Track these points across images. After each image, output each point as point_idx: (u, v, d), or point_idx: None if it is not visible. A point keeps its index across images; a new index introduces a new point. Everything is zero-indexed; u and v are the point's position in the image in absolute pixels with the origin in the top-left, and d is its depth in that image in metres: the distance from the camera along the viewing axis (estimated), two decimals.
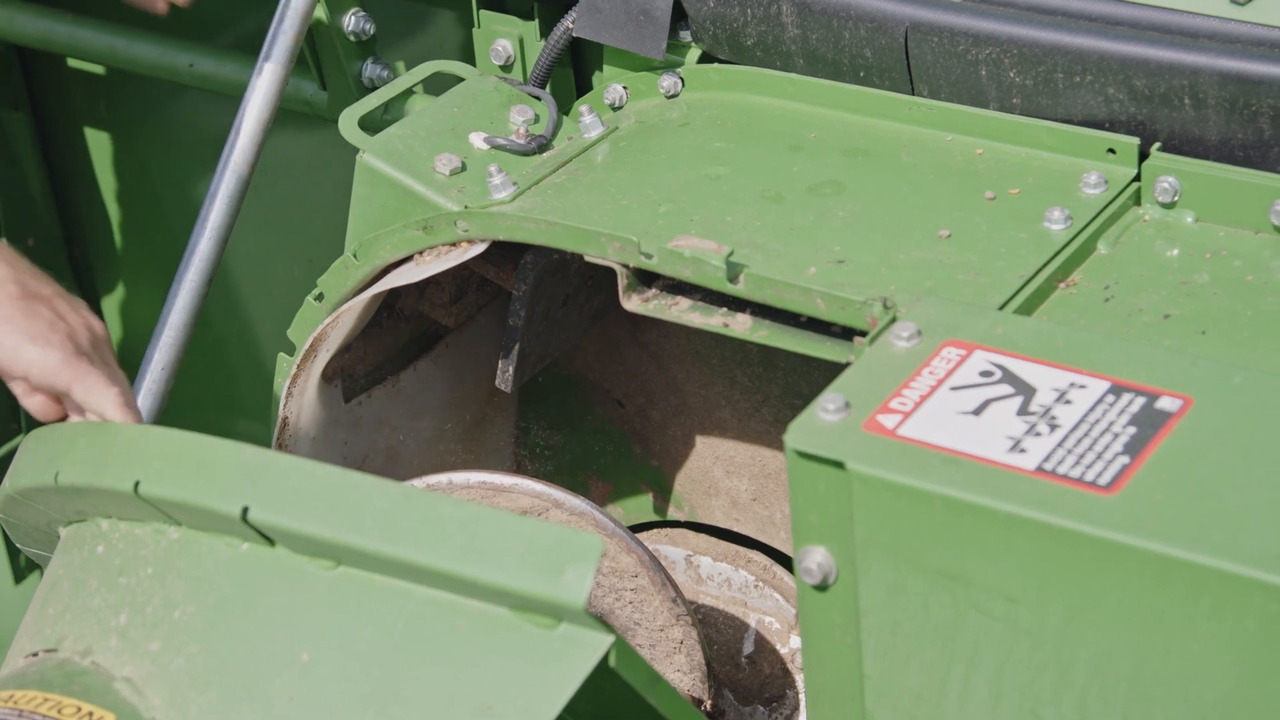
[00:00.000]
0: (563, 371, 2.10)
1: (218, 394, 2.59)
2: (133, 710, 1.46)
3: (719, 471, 2.05)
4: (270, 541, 1.47)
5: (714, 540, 2.05)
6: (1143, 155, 1.72)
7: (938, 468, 1.38)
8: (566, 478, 2.12)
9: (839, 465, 1.40)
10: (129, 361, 2.66)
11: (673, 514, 2.09)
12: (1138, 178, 1.72)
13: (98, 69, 2.48)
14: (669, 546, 2.05)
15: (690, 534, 2.06)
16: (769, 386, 2.00)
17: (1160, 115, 1.71)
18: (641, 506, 2.10)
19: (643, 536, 2.03)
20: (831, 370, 1.60)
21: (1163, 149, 1.71)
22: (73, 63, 2.53)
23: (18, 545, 1.78)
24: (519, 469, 2.15)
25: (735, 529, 2.05)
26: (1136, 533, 1.31)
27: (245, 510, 1.45)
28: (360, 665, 1.42)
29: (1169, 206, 1.70)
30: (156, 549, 1.52)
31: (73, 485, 1.54)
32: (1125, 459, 1.37)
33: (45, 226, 2.58)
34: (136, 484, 1.49)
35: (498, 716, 1.37)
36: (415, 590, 1.42)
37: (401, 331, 1.99)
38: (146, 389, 1.97)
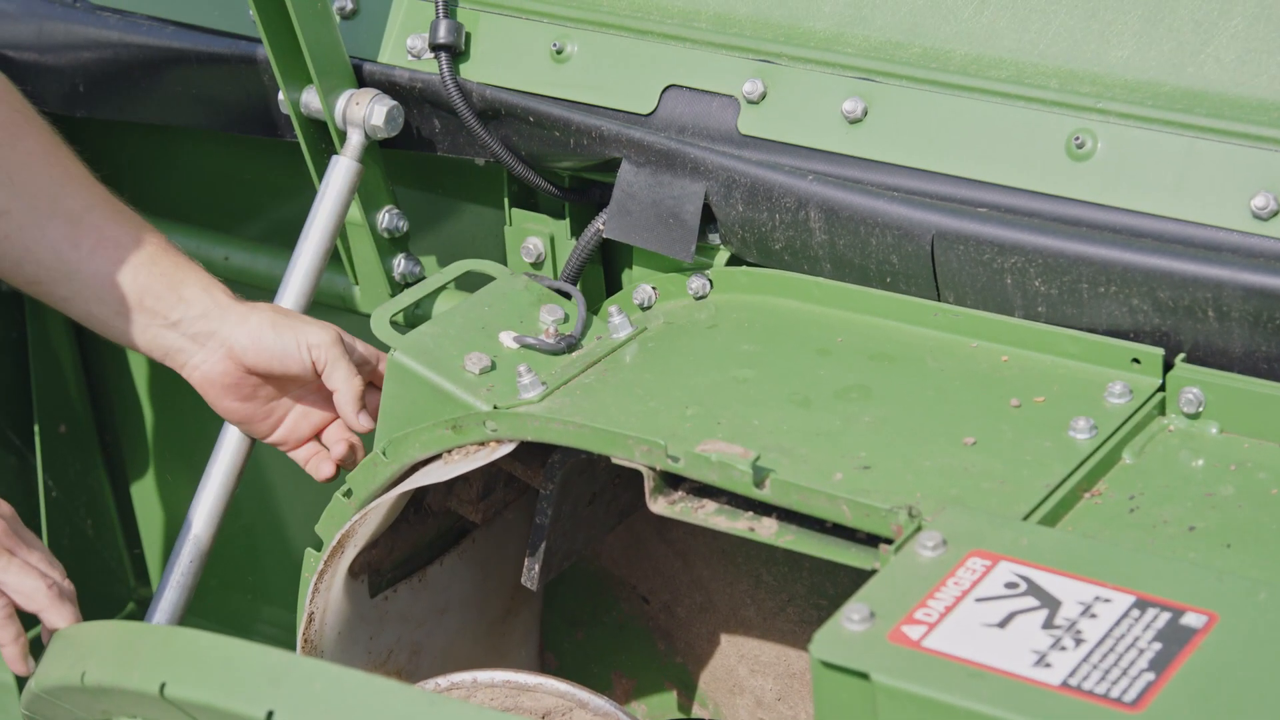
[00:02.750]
0: (588, 567, 2.11)
1: (246, 582, 2.60)
2: None
3: (744, 670, 2.05)
4: None
5: None
6: (1167, 366, 1.73)
7: (963, 681, 1.38)
8: (591, 673, 2.11)
9: (864, 676, 1.40)
10: (158, 546, 2.68)
11: (697, 712, 2.09)
12: (1162, 388, 1.73)
13: None
14: None
15: None
16: (794, 586, 2.00)
17: (1184, 326, 1.72)
18: (666, 704, 2.10)
19: None
20: (857, 572, 1.60)
21: (1187, 360, 1.73)
22: None
23: None
24: (543, 664, 2.14)
25: None
26: None
27: (270, 715, 1.45)
28: None
29: (1194, 417, 1.71)
30: None
31: (99, 685, 1.54)
32: (1150, 675, 1.37)
33: (78, 413, 2.60)
34: (162, 686, 1.50)
35: None
36: None
37: (428, 527, 2.00)
38: (174, 582, 1.98)
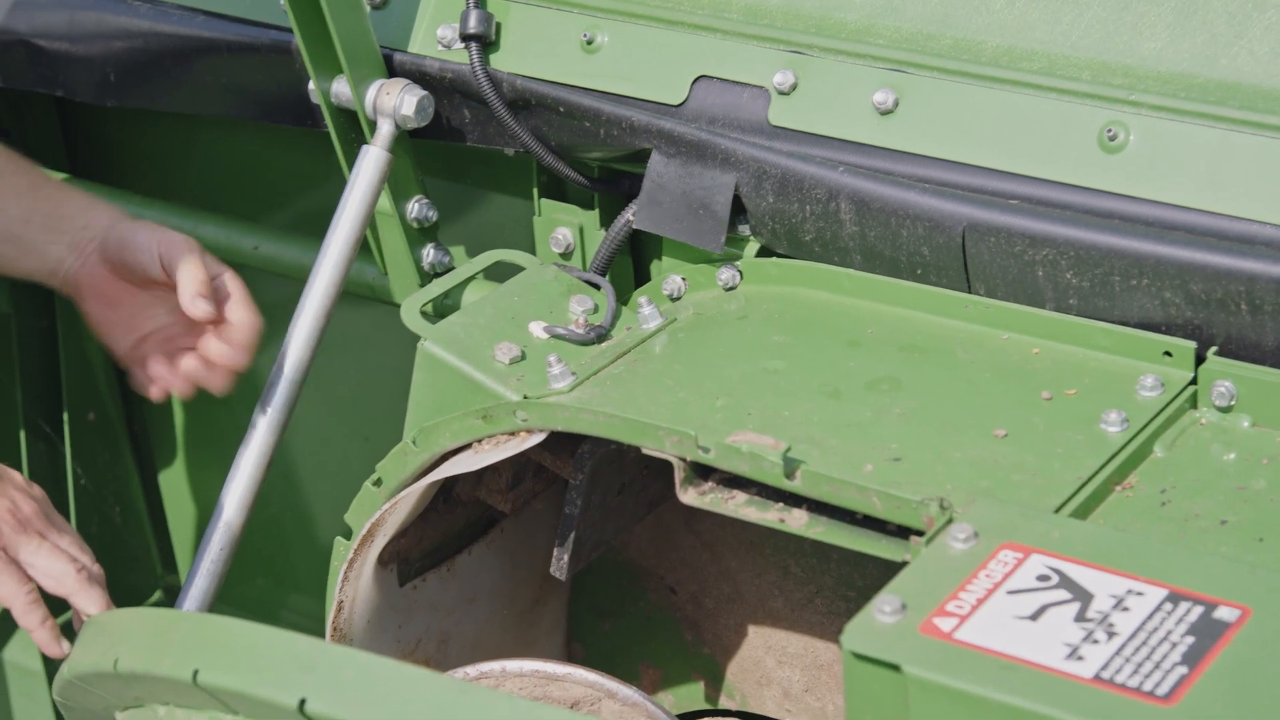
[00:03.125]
0: (616, 557, 2.11)
1: (273, 570, 2.60)
2: None
3: (771, 661, 2.05)
4: None
5: None
6: (1199, 359, 1.73)
7: (995, 673, 1.38)
8: (618, 664, 2.12)
9: (895, 668, 1.40)
10: (186, 535, 2.68)
11: (724, 703, 2.09)
12: (1194, 381, 1.72)
13: None
14: None
15: None
16: (822, 578, 2.00)
17: (1216, 319, 1.72)
18: (693, 695, 2.10)
19: None
20: (885, 564, 1.60)
21: (1219, 353, 1.72)
22: None
23: None
24: (571, 654, 2.15)
25: None
26: None
27: (303, 702, 1.45)
28: None
29: (1225, 411, 1.70)
30: None
31: (131, 672, 1.55)
32: (1184, 669, 1.37)
33: (105, 402, 2.61)
34: (195, 673, 1.50)
35: None
36: None
37: (458, 516, 2.00)
38: (204, 570, 1.98)
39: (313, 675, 1.47)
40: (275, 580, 2.61)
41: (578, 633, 2.15)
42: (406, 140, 2.10)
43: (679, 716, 2.05)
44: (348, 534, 1.90)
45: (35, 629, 1.79)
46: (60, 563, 1.79)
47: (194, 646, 1.52)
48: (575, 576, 2.10)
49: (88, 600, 1.79)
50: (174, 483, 2.65)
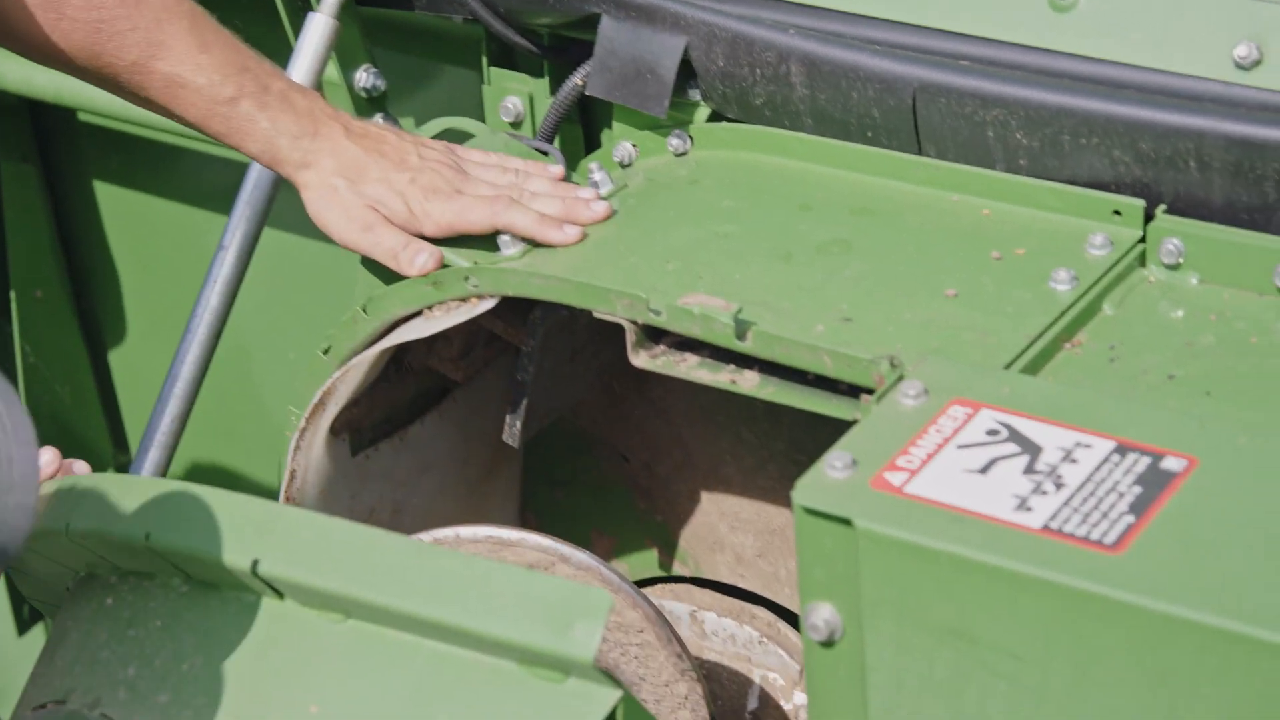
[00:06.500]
0: (568, 426, 2.11)
1: (224, 445, 2.60)
2: None
3: (724, 527, 2.06)
4: (280, 594, 1.48)
5: (719, 596, 2.05)
6: (1148, 217, 1.73)
7: (944, 526, 1.39)
8: (571, 532, 2.12)
9: (846, 522, 1.41)
10: (136, 413, 2.68)
11: (677, 569, 2.10)
12: (1143, 239, 1.73)
13: (109, 123, 2.50)
14: (673, 602, 2.05)
15: (695, 590, 2.07)
16: (774, 443, 2.00)
17: (1165, 178, 1.72)
18: (646, 561, 2.11)
19: (647, 592, 2.04)
20: (837, 427, 1.61)
21: (1168, 211, 1.73)
22: (83, 116, 2.54)
23: (25, 596, 1.79)
24: (524, 523, 2.15)
25: (740, 585, 2.05)
26: (1142, 592, 1.31)
27: (255, 563, 1.45)
28: (369, 718, 1.42)
29: (1174, 268, 1.71)
30: (166, 601, 1.53)
31: (83, 535, 1.54)
32: (1130, 518, 1.38)
33: (53, 279, 2.60)
34: (147, 535, 1.50)
35: None
36: (424, 644, 1.43)
37: (409, 386, 2.00)
38: (156, 442, 1.98)
39: (266, 537, 1.47)
40: (227, 452, 2.61)
41: (531, 502, 2.16)
42: (353, 7, 2.07)
43: (633, 584, 2.06)
44: (299, 404, 1.90)
45: None
46: None
47: (147, 510, 1.51)
48: (527, 446, 2.11)
49: None
50: (124, 360, 2.64)
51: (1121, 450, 1.43)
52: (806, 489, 1.44)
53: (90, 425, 2.68)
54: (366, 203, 1.81)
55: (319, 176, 1.82)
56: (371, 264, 1.88)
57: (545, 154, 1.95)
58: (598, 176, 1.91)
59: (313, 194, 1.83)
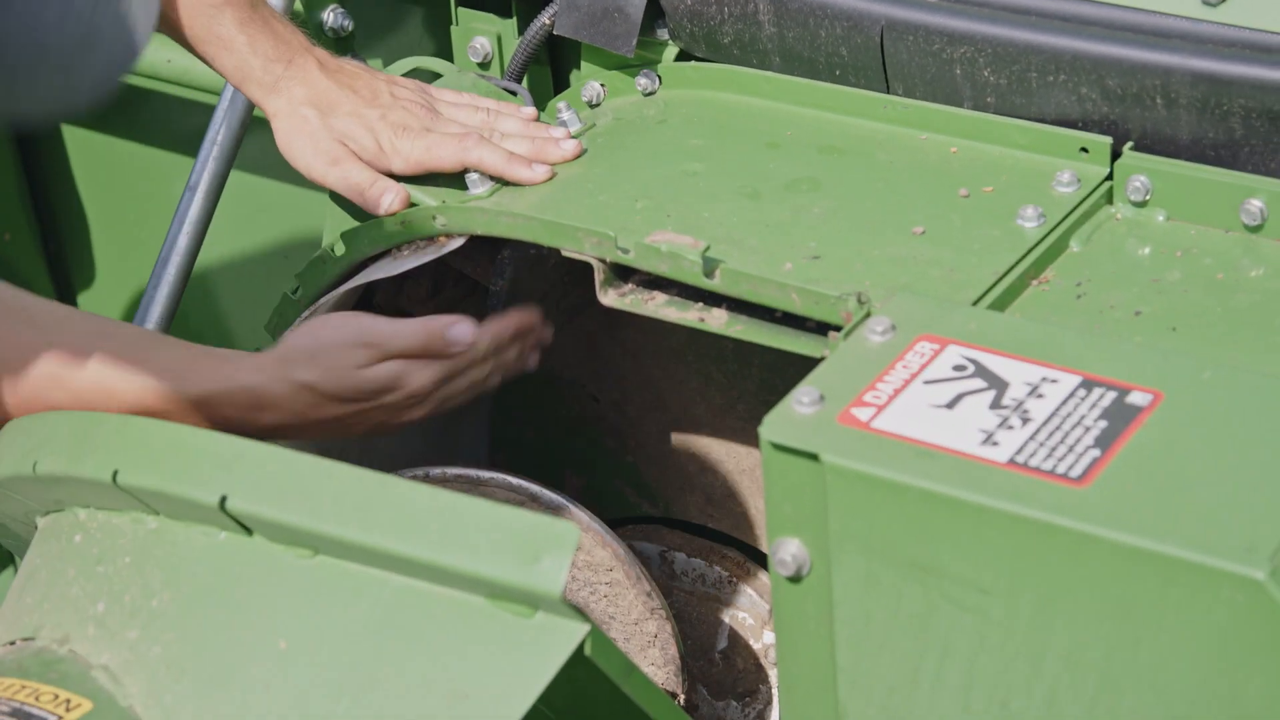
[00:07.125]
0: (538, 367, 2.11)
1: None
2: (110, 698, 1.47)
3: (694, 467, 2.06)
4: (248, 530, 1.48)
5: (688, 536, 2.06)
6: (1115, 154, 1.73)
7: (911, 460, 1.40)
8: (541, 472, 2.12)
9: (813, 457, 1.42)
10: None
11: (647, 509, 2.10)
12: (1110, 177, 1.73)
13: None
14: (643, 542, 2.06)
15: (665, 530, 2.07)
16: (744, 383, 2.01)
17: (1132, 115, 1.72)
18: (616, 502, 2.11)
19: (617, 532, 2.04)
20: (805, 367, 1.61)
21: (1135, 148, 1.73)
22: None
23: None
24: (494, 464, 2.15)
25: (710, 525, 2.06)
26: (1107, 524, 1.32)
27: (223, 499, 1.45)
28: (337, 653, 1.43)
29: (1141, 205, 1.71)
30: (134, 538, 1.53)
31: (51, 474, 1.54)
32: (1096, 452, 1.38)
33: (21, 222, 2.59)
34: (115, 473, 1.50)
35: (473, 704, 1.38)
36: (392, 579, 1.43)
37: None
38: None
39: (234, 473, 1.47)
40: None
41: (500, 442, 2.16)
42: None
43: (603, 523, 2.06)
44: (269, 344, 1.89)
45: None
46: None
47: (114, 447, 1.51)
48: (498, 386, 2.11)
49: None
50: (93, 302, 2.63)
51: (1087, 385, 1.44)
52: (774, 424, 1.44)
53: None
54: (335, 136, 1.81)
55: (289, 105, 1.81)
56: (340, 201, 1.88)
57: (514, 94, 1.94)
58: (566, 116, 1.90)
59: (282, 123, 1.82)
